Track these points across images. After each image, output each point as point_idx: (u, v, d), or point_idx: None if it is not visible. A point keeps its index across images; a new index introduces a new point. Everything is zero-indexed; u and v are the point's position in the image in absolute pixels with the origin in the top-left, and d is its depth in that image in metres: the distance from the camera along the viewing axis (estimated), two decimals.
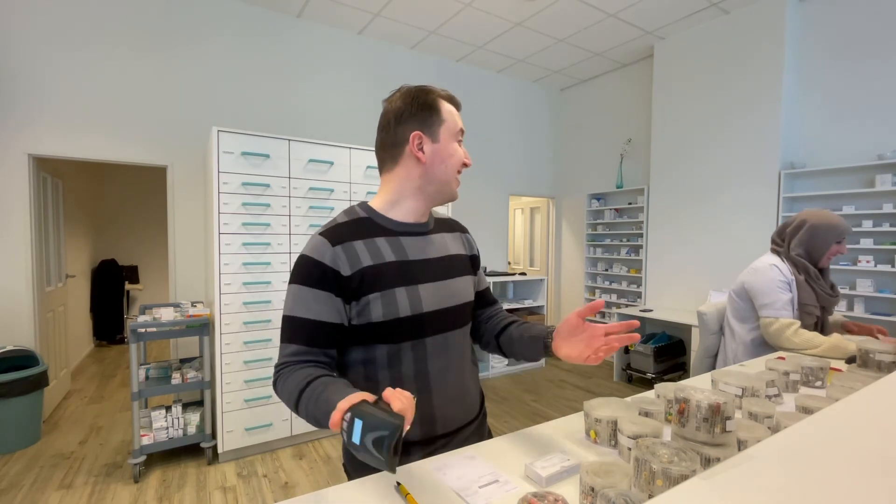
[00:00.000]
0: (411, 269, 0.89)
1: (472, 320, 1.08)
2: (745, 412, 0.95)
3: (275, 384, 0.82)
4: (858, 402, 0.69)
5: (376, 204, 0.93)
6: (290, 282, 0.85)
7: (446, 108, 0.91)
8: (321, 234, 0.87)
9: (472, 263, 1.05)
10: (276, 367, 0.83)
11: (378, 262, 0.86)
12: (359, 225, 0.89)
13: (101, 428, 3.06)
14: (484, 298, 1.10)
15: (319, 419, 0.70)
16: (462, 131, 0.93)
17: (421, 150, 0.88)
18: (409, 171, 0.90)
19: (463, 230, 1.08)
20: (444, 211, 1.06)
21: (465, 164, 0.93)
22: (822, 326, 1.76)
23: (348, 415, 0.61)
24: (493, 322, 1.08)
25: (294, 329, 0.83)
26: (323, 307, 0.82)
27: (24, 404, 2.69)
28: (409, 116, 0.89)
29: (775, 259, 1.78)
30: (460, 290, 0.96)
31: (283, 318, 0.85)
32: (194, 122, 3.43)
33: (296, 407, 0.76)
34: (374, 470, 0.79)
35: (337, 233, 0.87)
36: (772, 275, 1.73)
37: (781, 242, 1.82)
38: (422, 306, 0.88)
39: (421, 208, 0.93)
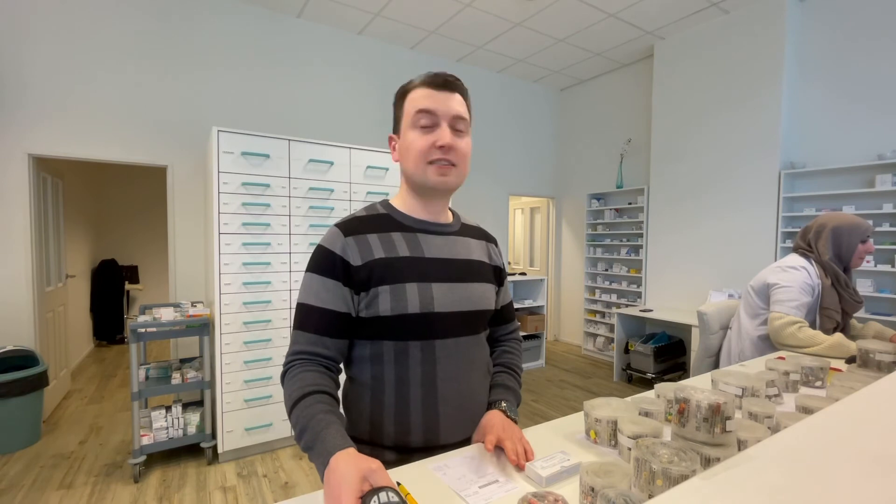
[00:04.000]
0: (426, 266, 0.87)
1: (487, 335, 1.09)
2: (745, 412, 0.95)
3: (282, 378, 0.83)
4: (858, 402, 0.69)
5: (397, 201, 0.95)
6: (306, 270, 0.87)
7: (410, 97, 0.87)
8: (336, 224, 0.88)
9: (494, 274, 1.00)
10: (287, 357, 0.84)
11: (391, 255, 0.85)
12: (377, 220, 0.90)
13: (101, 428, 3.06)
14: (499, 316, 1.06)
15: (310, 447, 0.70)
16: (423, 111, 0.84)
17: (395, 150, 0.93)
18: (402, 172, 0.94)
19: (490, 240, 1.05)
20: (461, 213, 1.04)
21: (432, 160, 0.84)
22: (843, 330, 1.76)
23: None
24: (492, 355, 1.06)
25: (303, 316, 0.84)
26: (331, 296, 0.83)
27: (24, 404, 2.69)
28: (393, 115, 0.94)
29: (804, 262, 1.77)
30: (479, 295, 0.92)
31: (296, 305, 0.86)
32: (194, 122, 3.43)
33: (289, 412, 0.77)
34: None
35: (352, 225, 0.88)
36: (799, 275, 1.73)
37: (809, 247, 1.81)
38: (433, 305, 0.84)
39: (426, 205, 0.92)
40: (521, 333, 4.18)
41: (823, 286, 1.72)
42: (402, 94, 0.90)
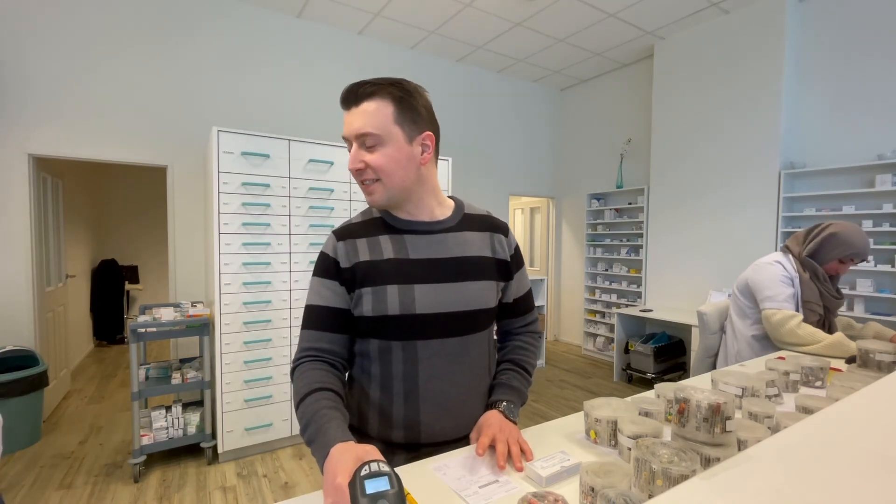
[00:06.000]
0: (409, 267, 0.86)
1: (499, 328, 1.06)
2: (745, 412, 0.95)
3: (291, 373, 0.87)
4: (858, 402, 0.69)
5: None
6: (311, 275, 0.92)
7: None
8: (333, 231, 0.93)
9: (498, 268, 0.94)
10: (296, 354, 0.88)
11: (376, 258, 0.87)
12: (369, 224, 0.92)
13: (101, 428, 3.06)
14: (512, 309, 1.01)
15: (312, 440, 0.72)
16: (344, 139, 0.86)
17: None
18: None
19: (495, 230, 0.97)
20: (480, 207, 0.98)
21: (356, 179, 0.87)
22: (828, 328, 1.77)
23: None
24: (503, 349, 1.05)
25: (309, 316, 0.89)
26: (331, 294, 0.88)
27: (24, 404, 2.69)
28: None
29: (779, 256, 1.80)
30: (469, 295, 0.88)
31: (304, 308, 0.91)
32: (194, 122, 3.43)
33: (296, 407, 0.80)
34: None
35: (346, 230, 0.91)
36: (774, 269, 1.75)
37: (799, 243, 1.82)
38: (414, 307, 0.84)
39: (409, 207, 0.90)
40: None
41: (802, 279, 1.73)
42: None
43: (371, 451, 0.64)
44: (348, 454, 0.62)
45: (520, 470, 0.78)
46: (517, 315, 1.03)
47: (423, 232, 0.90)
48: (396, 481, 0.57)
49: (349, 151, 0.85)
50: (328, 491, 0.60)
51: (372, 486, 0.55)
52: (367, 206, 0.94)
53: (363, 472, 0.57)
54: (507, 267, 0.97)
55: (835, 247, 1.70)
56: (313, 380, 0.81)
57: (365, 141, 0.82)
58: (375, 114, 0.81)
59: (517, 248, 1.01)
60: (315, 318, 0.87)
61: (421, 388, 0.87)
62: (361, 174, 0.84)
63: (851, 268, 2.90)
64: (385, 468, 0.58)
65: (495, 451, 0.80)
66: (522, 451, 0.82)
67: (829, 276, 1.76)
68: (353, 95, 0.82)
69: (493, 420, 0.86)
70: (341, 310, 0.87)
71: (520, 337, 1.05)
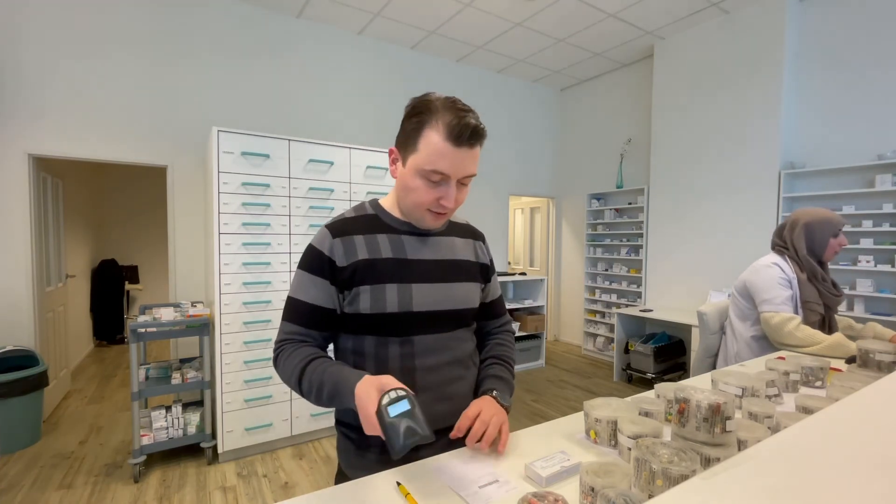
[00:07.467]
0: (407, 267, 0.90)
1: (478, 329, 1.10)
2: (745, 412, 0.95)
3: (276, 360, 0.88)
4: (858, 402, 0.69)
5: (386, 202, 0.97)
6: (297, 267, 0.92)
7: (429, 140, 0.80)
8: (326, 225, 0.92)
9: (481, 271, 1.03)
10: (277, 343, 0.90)
11: (374, 256, 0.89)
12: (364, 221, 0.93)
13: (101, 428, 3.06)
14: (488, 311, 1.08)
15: (333, 397, 0.78)
16: (438, 174, 0.81)
17: (395, 167, 0.90)
18: (397, 188, 0.93)
19: (478, 237, 1.07)
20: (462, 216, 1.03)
21: (431, 209, 0.86)
22: (829, 326, 1.77)
23: (397, 393, 0.70)
24: (484, 348, 1.09)
25: (293, 310, 0.90)
26: (319, 292, 0.88)
27: (24, 404, 2.69)
28: (401, 127, 0.87)
29: (777, 258, 1.80)
30: (460, 295, 0.95)
31: (286, 298, 0.92)
32: (194, 122, 3.43)
33: (299, 379, 0.82)
34: (373, 471, 0.80)
35: (341, 226, 0.92)
36: (772, 272, 1.75)
37: (784, 243, 1.83)
38: (412, 305, 0.88)
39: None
40: (522, 333, 4.16)
41: (800, 280, 1.74)
42: (419, 124, 0.82)
43: (389, 381, 0.72)
44: (371, 388, 0.71)
45: (483, 449, 0.84)
46: (494, 317, 1.11)
47: (421, 234, 0.95)
48: (415, 400, 0.69)
49: (431, 182, 0.83)
50: (366, 426, 0.70)
51: (395, 410, 0.67)
52: (360, 203, 0.99)
53: (385, 401, 0.68)
54: (487, 270, 1.06)
55: (820, 230, 1.73)
56: (305, 354, 0.85)
57: (464, 181, 0.86)
58: (477, 159, 0.86)
59: (491, 255, 1.11)
60: (300, 314, 0.89)
61: (418, 379, 0.91)
62: (447, 208, 0.86)
63: (855, 267, 2.91)
64: (402, 392, 0.69)
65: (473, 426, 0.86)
66: (499, 435, 0.86)
67: (821, 264, 1.77)
68: (477, 137, 0.82)
69: (483, 401, 0.90)
70: (327, 310, 0.89)
71: (498, 336, 1.11)
